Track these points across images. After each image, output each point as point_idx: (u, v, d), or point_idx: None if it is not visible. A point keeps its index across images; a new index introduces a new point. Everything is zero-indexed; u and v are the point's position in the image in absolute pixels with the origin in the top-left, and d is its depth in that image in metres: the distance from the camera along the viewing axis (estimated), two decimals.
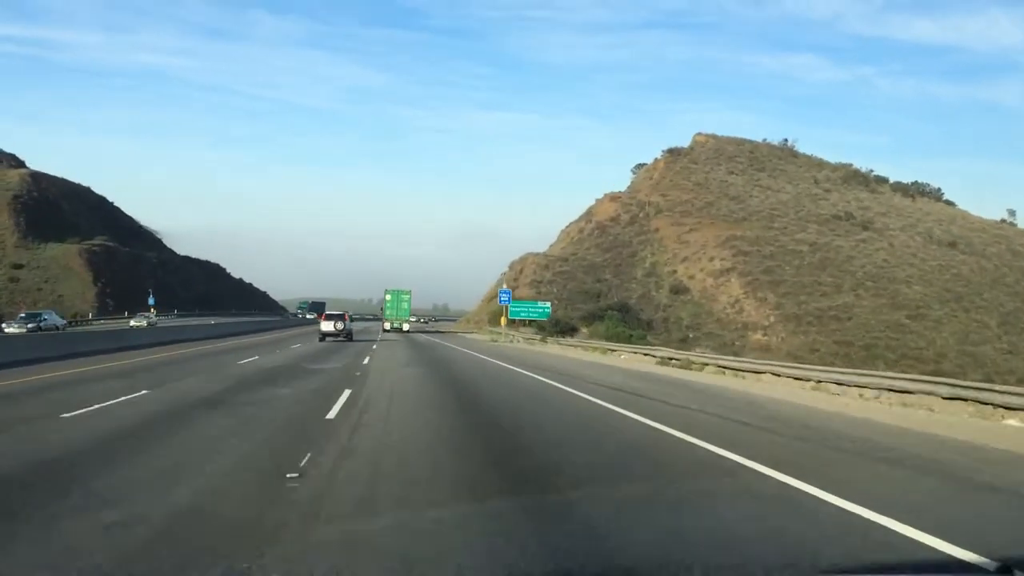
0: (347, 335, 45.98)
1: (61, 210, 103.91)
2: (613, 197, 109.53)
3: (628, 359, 33.64)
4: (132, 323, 61.68)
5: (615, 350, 39.13)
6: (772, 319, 79.71)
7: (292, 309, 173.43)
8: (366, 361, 26.75)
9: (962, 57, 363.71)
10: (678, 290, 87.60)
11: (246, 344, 39.26)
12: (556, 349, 45.05)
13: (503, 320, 60.38)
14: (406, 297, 71.88)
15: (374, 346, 39.47)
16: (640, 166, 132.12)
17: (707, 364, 25.76)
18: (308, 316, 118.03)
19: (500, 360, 28.91)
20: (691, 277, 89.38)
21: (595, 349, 41.64)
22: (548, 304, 76.18)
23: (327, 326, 45.04)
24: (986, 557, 4.71)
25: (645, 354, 33.04)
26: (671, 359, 29.59)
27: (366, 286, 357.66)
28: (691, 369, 25.48)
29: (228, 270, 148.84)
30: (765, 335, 77.86)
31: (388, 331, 67.23)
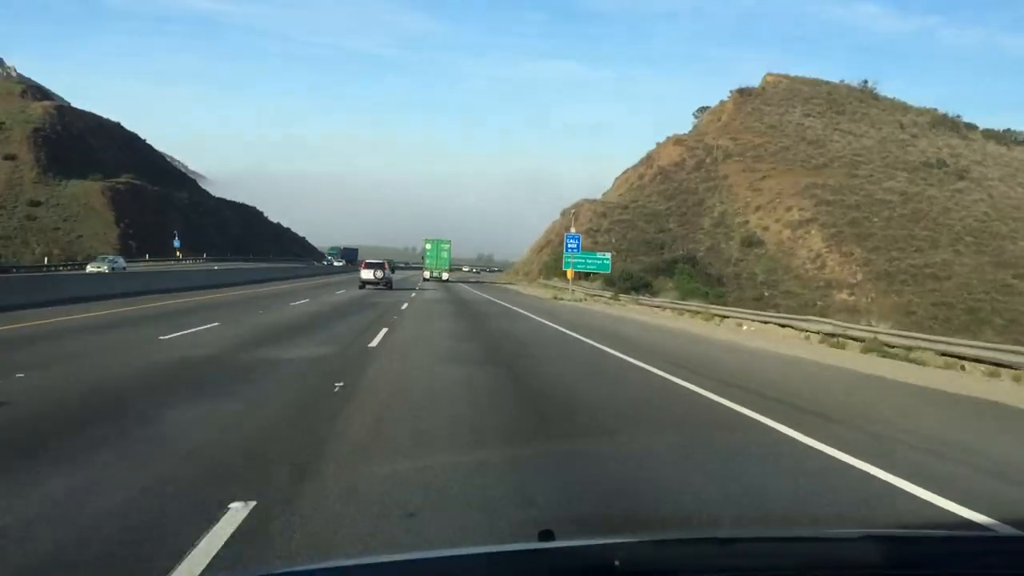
0: (387, 284, 46.73)
1: (87, 145, 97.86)
2: (677, 140, 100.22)
3: (754, 332, 25.12)
4: (89, 268, 49.78)
5: (727, 316, 30.78)
6: (859, 276, 70.76)
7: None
8: (375, 343, 16.58)
9: None
10: (751, 242, 78.83)
11: (230, 299, 31.52)
12: (638, 312, 36.94)
13: (570, 273, 51.69)
14: (446, 247, 72.00)
15: (404, 305, 31.65)
16: (704, 109, 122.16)
17: (921, 348, 17.35)
18: (336, 263, 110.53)
19: (610, 346, 17.98)
20: (765, 228, 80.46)
21: (695, 314, 33.44)
22: (608, 255, 68.13)
23: (367, 274, 45.83)
24: None
25: (783, 325, 24.63)
26: (840, 336, 21.11)
27: (409, 235, 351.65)
28: (895, 357, 17.13)
29: (266, 214, 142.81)
30: (852, 294, 69.06)
31: (428, 280, 67.73)
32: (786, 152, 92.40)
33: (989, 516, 5.25)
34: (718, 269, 74.67)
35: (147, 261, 72.46)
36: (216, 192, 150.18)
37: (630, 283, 59.29)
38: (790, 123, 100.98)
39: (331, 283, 56.53)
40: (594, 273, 68.92)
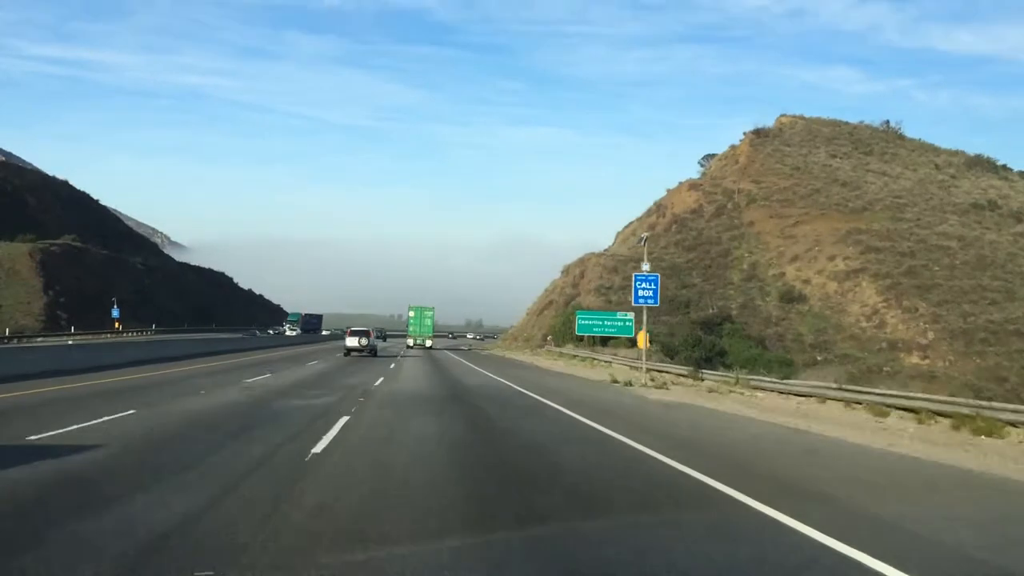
0: (371, 351, 47.15)
1: (21, 203, 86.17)
2: (692, 185, 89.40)
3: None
4: None
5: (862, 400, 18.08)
6: (931, 336, 58.98)
7: (334, 327, 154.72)
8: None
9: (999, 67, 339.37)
10: (791, 298, 67.21)
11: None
12: (796, 413, 22.91)
13: (642, 340, 34.74)
14: (429, 314, 71.54)
15: (377, 381, 20.22)
16: (710, 156, 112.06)
17: None
18: (291, 332, 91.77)
19: None
20: (806, 281, 68.96)
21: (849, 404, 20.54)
22: (630, 316, 56.25)
23: (352, 341, 46.06)
24: None
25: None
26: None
27: (394, 302, 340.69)
28: None
29: (236, 280, 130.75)
30: (925, 357, 57.13)
31: (411, 347, 66.38)
32: (817, 195, 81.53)
33: None
34: (757, 330, 62.78)
35: (73, 334, 60.06)
36: (195, 260, 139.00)
37: (698, 351, 46.22)
38: (815, 164, 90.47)
39: (295, 355, 44.42)
40: (613, 338, 56.96)
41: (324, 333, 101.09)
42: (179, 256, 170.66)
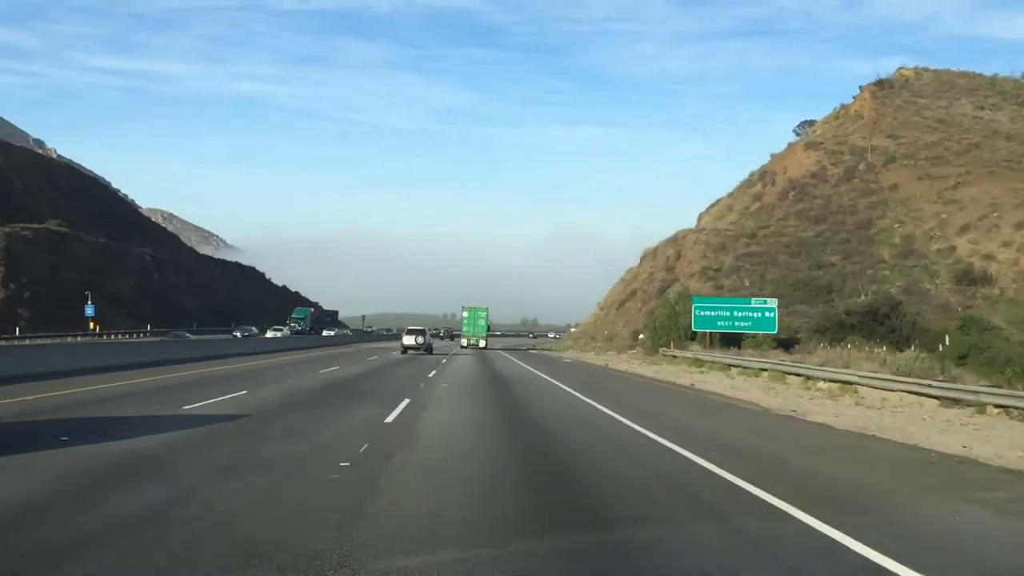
0: (427, 349, 47.99)
1: (7, 185, 72.77)
2: (810, 144, 72.14)
3: None
4: None
5: None
6: None
7: (381, 327, 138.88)
8: None
9: None
10: (972, 279, 49.82)
11: None
12: None
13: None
14: (482, 314, 71.96)
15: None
16: (807, 123, 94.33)
17: None
18: (274, 333, 68.41)
19: None
20: (988, 257, 51.53)
21: None
22: (772, 303, 39.76)
23: (409, 340, 47.12)
24: None
25: None
26: None
27: (447, 302, 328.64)
28: None
29: (269, 276, 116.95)
30: None
31: (465, 347, 66.97)
32: (978, 151, 63.67)
33: None
34: (932, 321, 45.48)
35: (18, 337, 45.95)
36: (246, 261, 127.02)
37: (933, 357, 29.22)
38: (963, 116, 72.39)
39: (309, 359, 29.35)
40: (747, 335, 40.38)
41: (330, 333, 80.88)
42: (232, 258, 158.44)
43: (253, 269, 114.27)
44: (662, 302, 47.87)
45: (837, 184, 64.25)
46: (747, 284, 52.26)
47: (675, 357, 38.89)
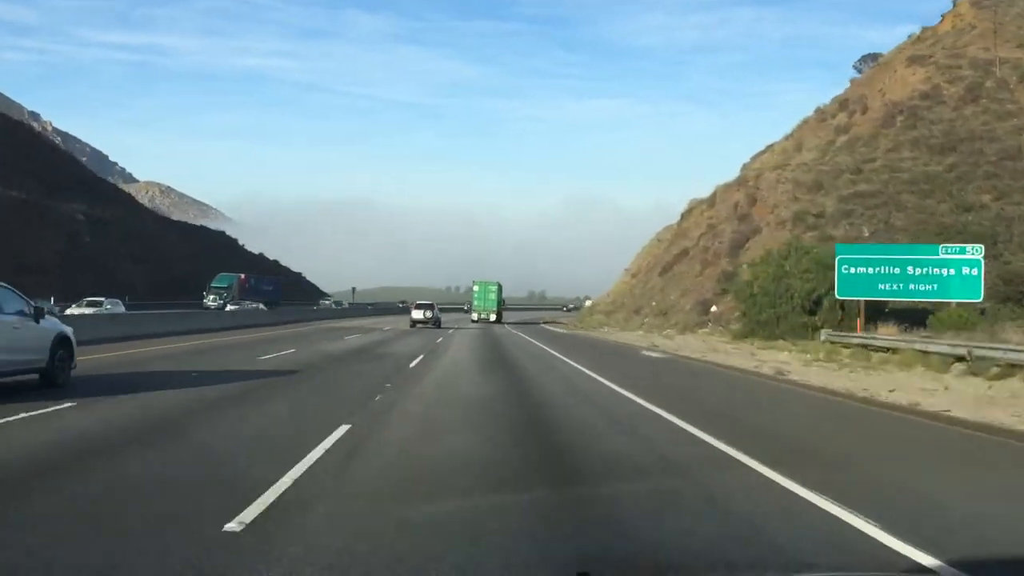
0: (435, 323, 48.20)
1: None
2: (914, 58, 56.12)
3: None
4: None
5: None
6: None
7: (375, 301, 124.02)
8: None
9: None
10: None
11: None
12: None
13: None
14: (492, 288, 72.68)
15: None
16: (871, 56, 78.30)
17: None
18: (215, 300, 60.44)
19: None
20: None
21: None
22: (975, 254, 24.34)
23: (417, 314, 47.85)
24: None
25: None
26: None
27: (451, 275, 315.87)
28: None
29: (242, 242, 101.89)
30: None
31: (475, 321, 67.29)
32: None
33: None
34: None
35: None
36: (238, 233, 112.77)
37: None
38: None
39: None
40: (932, 305, 25.14)
41: (256, 306, 61.26)
42: (228, 229, 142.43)
43: (223, 234, 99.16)
44: (764, 258, 32.05)
45: (959, 106, 48.57)
46: (867, 234, 36.92)
47: (831, 344, 23.43)
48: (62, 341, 12.16)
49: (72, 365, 12.44)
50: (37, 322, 11.64)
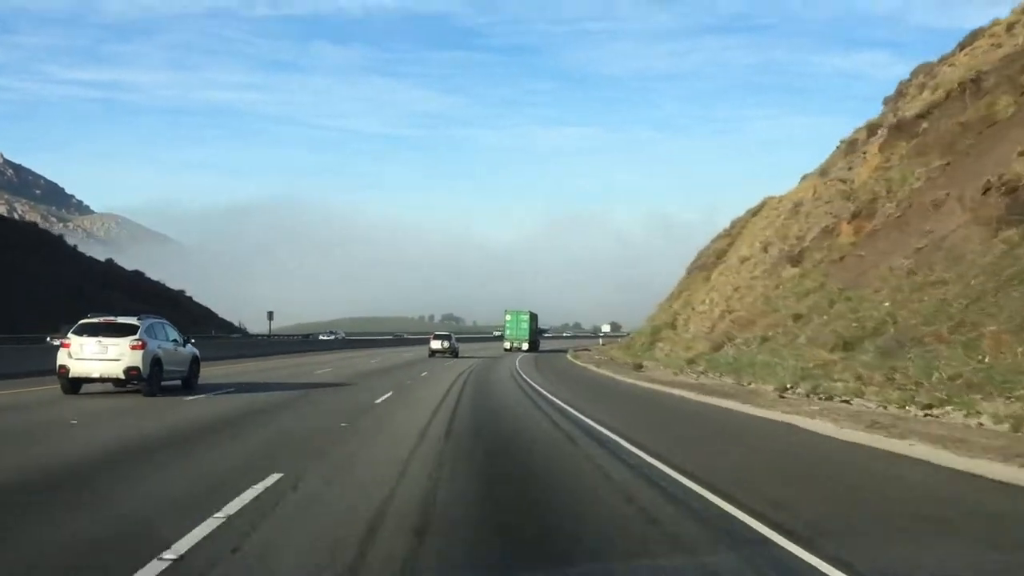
0: (453, 353, 53.86)
1: None
2: None
3: None
4: None
5: None
6: None
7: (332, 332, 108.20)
8: None
9: None
10: None
11: None
12: None
13: None
14: (525, 318, 76.17)
15: None
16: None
17: None
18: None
19: None
20: None
21: None
22: None
23: (436, 344, 54.03)
24: None
25: None
26: None
27: (424, 305, 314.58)
28: None
29: (121, 263, 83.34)
30: None
31: (508, 350, 70.20)
32: None
33: None
34: None
35: None
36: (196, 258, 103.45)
37: None
38: None
39: None
40: None
41: None
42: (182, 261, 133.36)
43: (111, 263, 79.33)
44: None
45: None
46: None
47: None
48: (195, 359, 19.54)
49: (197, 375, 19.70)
50: (184, 346, 19.03)
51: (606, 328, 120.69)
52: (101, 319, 17.52)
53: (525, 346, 72.92)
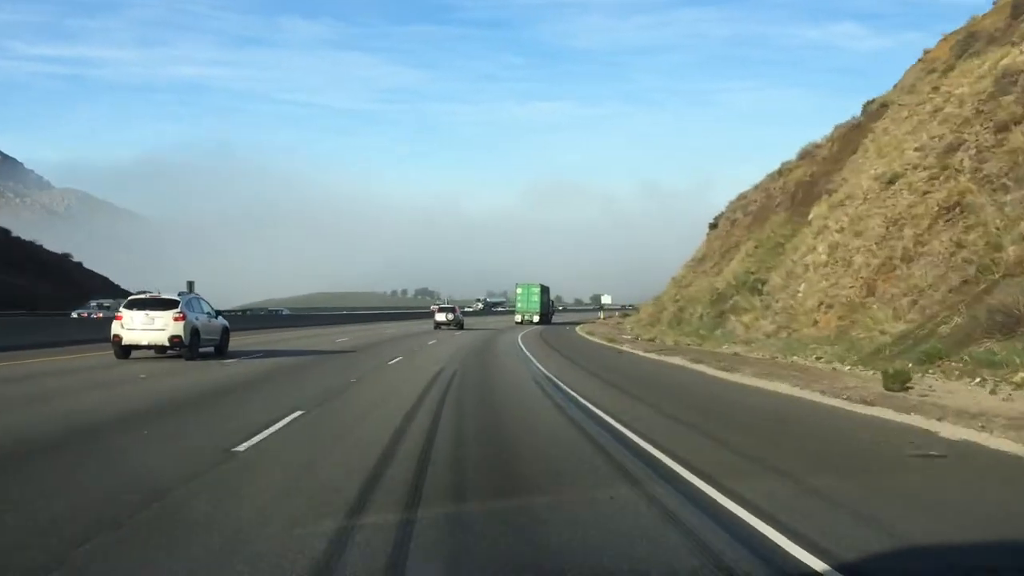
0: (458, 325, 55.12)
1: None
2: None
3: None
4: None
5: None
6: None
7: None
8: None
9: None
10: None
11: None
12: None
13: None
14: (536, 291, 76.00)
15: None
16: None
17: None
18: None
19: None
20: None
21: None
22: None
23: (440, 317, 55.57)
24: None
25: None
26: None
27: (398, 279, 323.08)
28: None
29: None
30: None
31: (520, 323, 70.07)
32: None
33: None
34: None
35: None
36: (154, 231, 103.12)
37: None
38: None
39: None
40: None
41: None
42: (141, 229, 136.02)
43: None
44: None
45: None
46: None
47: None
48: (225, 329, 22.92)
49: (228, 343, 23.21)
50: (216, 318, 22.38)
51: (607, 300, 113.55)
52: (147, 295, 20.67)
53: (536, 318, 73.30)
